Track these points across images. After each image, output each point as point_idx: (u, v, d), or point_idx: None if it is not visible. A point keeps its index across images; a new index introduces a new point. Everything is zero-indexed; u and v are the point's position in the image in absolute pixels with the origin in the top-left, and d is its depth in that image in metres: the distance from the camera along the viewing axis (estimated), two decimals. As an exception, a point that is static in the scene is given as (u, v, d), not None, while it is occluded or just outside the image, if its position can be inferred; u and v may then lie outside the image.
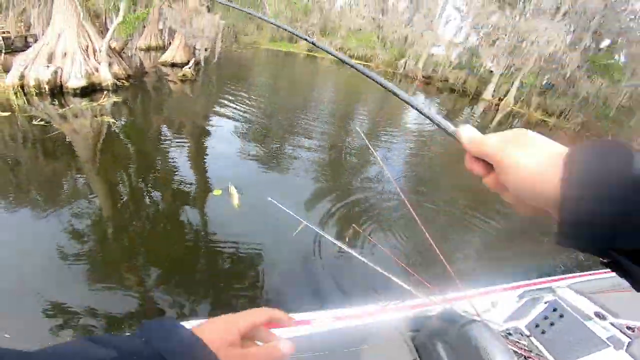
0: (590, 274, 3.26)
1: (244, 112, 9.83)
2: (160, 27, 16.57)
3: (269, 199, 2.82)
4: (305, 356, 1.69)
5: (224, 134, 8.05)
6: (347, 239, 2.78)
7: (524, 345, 2.55)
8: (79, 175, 5.48)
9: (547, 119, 17.72)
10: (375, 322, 2.13)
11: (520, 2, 18.62)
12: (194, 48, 14.32)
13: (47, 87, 8.72)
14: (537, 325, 2.84)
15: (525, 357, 2.38)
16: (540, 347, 2.77)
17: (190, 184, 5.63)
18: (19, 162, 5.69)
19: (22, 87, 8.58)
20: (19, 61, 8.86)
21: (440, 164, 9.23)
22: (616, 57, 17.58)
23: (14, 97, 8.02)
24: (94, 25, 10.14)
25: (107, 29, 10.14)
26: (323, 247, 4.17)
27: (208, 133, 8.10)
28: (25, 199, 4.64)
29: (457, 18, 23.29)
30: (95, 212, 4.50)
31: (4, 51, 11.49)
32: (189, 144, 7.16)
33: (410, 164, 8.70)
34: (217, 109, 9.83)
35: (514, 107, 18.84)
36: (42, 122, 6.96)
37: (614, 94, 16.34)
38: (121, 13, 9.65)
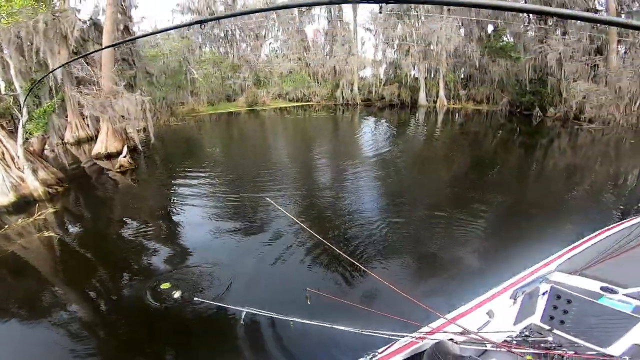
0: (567, 252, 3.18)
1: (202, 191, 9.07)
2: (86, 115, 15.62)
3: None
4: None
5: (187, 220, 7.29)
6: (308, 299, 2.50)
7: (550, 342, 2.41)
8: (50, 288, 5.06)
9: (479, 107, 19.34)
10: None
11: (413, 10, 20.76)
12: (125, 133, 13.44)
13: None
14: (552, 318, 2.80)
15: (556, 354, 2.22)
16: (570, 338, 2.70)
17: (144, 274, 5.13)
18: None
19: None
20: None
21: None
22: (504, 39, 20.01)
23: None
24: (2, 127, 9.13)
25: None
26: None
27: (167, 223, 7.32)
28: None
29: (370, 38, 25.47)
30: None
31: None
32: (145, 242, 6.40)
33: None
34: (172, 194, 9.05)
35: (448, 105, 20.42)
36: None
37: (520, 70, 18.34)
38: (24, 110, 8.80)
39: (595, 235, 3.44)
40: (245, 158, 12.71)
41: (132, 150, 12.41)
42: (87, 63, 13.69)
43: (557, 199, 7.60)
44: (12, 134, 9.18)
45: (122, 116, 12.44)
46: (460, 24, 20.47)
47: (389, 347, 2.10)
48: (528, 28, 19.98)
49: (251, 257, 5.49)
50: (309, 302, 2.33)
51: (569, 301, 2.70)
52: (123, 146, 12.21)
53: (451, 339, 2.05)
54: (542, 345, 2.33)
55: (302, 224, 4.33)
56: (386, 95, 23.04)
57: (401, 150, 12.76)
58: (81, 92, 12.70)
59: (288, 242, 5.91)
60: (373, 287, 4.55)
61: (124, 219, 7.62)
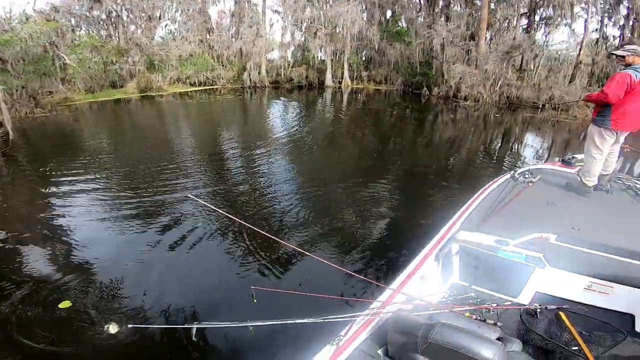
0: (465, 210, 3.29)
1: (88, 190, 7.32)
2: None
3: None
4: None
5: (77, 226, 5.88)
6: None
7: (474, 298, 2.52)
8: None
9: (379, 87, 20.83)
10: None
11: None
12: None
13: None
14: (467, 274, 2.89)
15: (482, 308, 2.32)
16: (487, 292, 2.80)
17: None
18: None
19: None
20: None
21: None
22: (400, 24, 21.83)
23: None
24: None
25: None
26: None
27: (50, 228, 5.76)
28: None
29: (278, 20, 24.80)
30: None
31: None
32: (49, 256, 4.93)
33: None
34: (48, 197, 7.10)
35: (352, 85, 21.48)
36: None
37: (412, 53, 20.24)
38: None
39: (481, 193, 3.59)
40: (141, 149, 11.01)
41: None
42: None
43: (445, 163, 9.07)
44: None
45: None
46: (364, 7, 21.30)
47: (349, 329, 2.05)
48: (419, 14, 21.92)
49: (172, 261, 4.79)
50: (255, 301, 2.12)
51: (476, 257, 2.79)
52: None
53: (396, 311, 2.05)
54: (470, 301, 2.42)
55: (226, 213, 3.54)
56: (294, 77, 22.99)
57: (311, 129, 13.00)
58: None
59: (212, 238, 5.29)
60: (312, 270, 4.47)
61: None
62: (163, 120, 16.79)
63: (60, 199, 6.94)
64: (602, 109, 3.39)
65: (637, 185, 3.74)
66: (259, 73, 23.33)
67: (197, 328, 1.77)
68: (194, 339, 2.63)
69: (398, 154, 10.13)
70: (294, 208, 6.43)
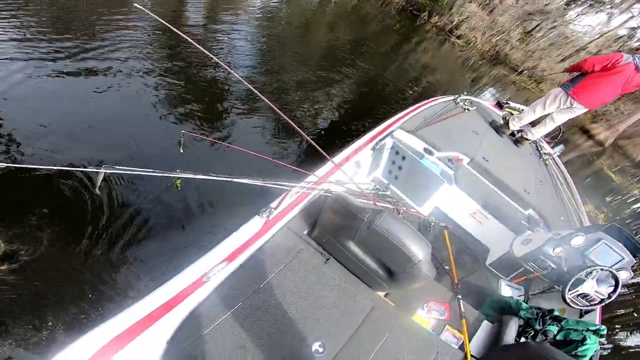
0: (408, 112, 3.32)
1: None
2: None
3: None
4: (228, 316, 1.39)
5: None
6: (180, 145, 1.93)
7: (390, 197, 2.52)
8: None
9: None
10: (271, 237, 1.75)
11: None
12: None
13: None
14: (390, 172, 2.97)
15: (396, 208, 2.32)
16: (400, 194, 2.93)
17: None
18: None
19: None
20: None
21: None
22: None
23: None
24: None
25: None
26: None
27: None
28: None
29: None
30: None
31: None
32: None
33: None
34: None
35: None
36: None
37: None
38: None
39: (427, 102, 3.73)
40: None
41: None
42: None
43: (403, 83, 9.27)
44: None
45: None
46: None
47: (281, 200, 1.87)
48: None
49: (91, 87, 3.77)
50: (181, 151, 1.81)
51: (403, 157, 2.83)
52: None
53: (331, 190, 1.87)
54: (387, 199, 2.42)
55: (173, 28, 1.57)
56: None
57: (291, 9, 11.84)
58: None
59: (147, 59, 4.44)
60: (255, 121, 4.12)
61: None
62: None
63: None
64: (575, 78, 3.33)
65: (542, 145, 4.22)
66: None
67: (104, 173, 1.25)
68: (97, 189, 2.11)
69: (367, 57, 9.86)
70: (253, 58, 6.40)
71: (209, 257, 1.50)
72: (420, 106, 3.55)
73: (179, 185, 1.53)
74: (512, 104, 4.43)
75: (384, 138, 2.82)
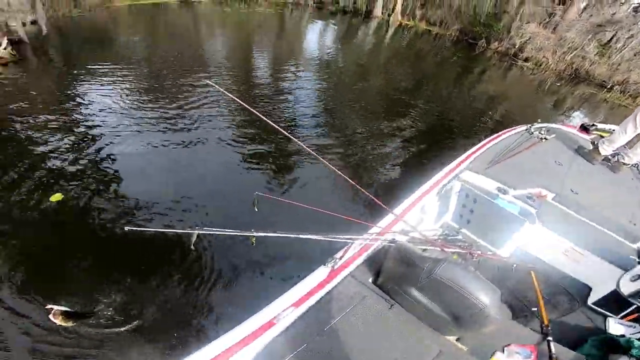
0: (474, 152, 3.20)
1: (118, 80, 7.29)
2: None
3: None
4: (292, 357, 1.49)
5: (102, 110, 5.86)
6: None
7: (462, 241, 2.52)
8: None
9: (431, 29, 18.48)
10: (336, 285, 1.85)
11: None
12: (6, 26, 10.40)
13: None
14: (461, 216, 2.88)
15: (469, 253, 2.30)
16: (474, 237, 2.81)
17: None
18: None
19: None
20: None
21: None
22: None
23: None
24: None
25: None
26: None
27: (73, 112, 5.77)
28: None
29: None
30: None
31: None
32: (54, 138, 4.92)
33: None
34: (77, 83, 7.11)
35: (402, 21, 19.20)
36: None
37: (480, 2, 17.55)
38: None
39: (494, 138, 3.52)
40: (175, 52, 10.40)
41: (17, 43, 9.42)
42: None
43: (474, 117, 8.36)
44: None
45: (2, 9, 9.55)
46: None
47: (345, 251, 1.99)
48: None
49: (184, 160, 4.65)
50: (256, 209, 1.93)
51: (474, 200, 2.74)
52: (2, 39, 9.30)
53: (395, 239, 1.95)
54: (458, 244, 2.41)
55: (243, 102, 2.74)
56: (341, 1, 20.77)
57: (345, 54, 12.35)
58: None
59: (223, 131, 5.34)
60: (319, 180, 4.50)
61: (11, 114, 5.67)
62: (198, 27, 15.91)
63: (83, 83, 7.00)
64: None
65: None
66: (304, -11, 21.24)
67: (197, 234, 1.57)
68: (192, 246, 2.59)
69: (427, 95, 9.34)
70: (312, 118, 6.50)
71: (279, 301, 1.66)
72: (488, 142, 3.39)
73: (253, 241, 1.69)
74: (600, 126, 4.01)
75: (449, 182, 2.75)
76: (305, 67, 9.83)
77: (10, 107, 6.08)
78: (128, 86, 7.03)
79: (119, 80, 7.31)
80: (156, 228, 1.68)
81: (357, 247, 2.03)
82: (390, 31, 17.47)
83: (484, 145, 3.36)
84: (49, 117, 5.62)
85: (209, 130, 5.41)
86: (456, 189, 2.80)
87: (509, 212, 2.57)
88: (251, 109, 2.14)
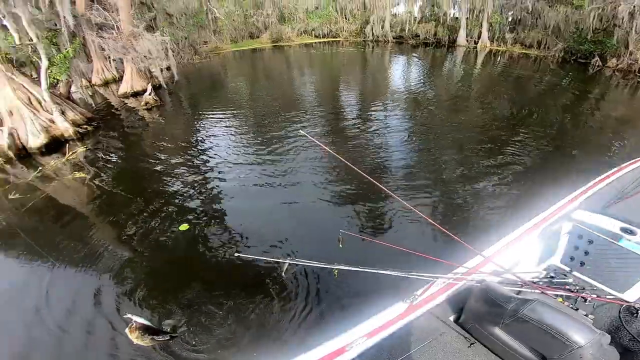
0: (588, 188, 2.99)
1: (230, 122, 9.32)
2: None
3: None
4: None
5: (215, 155, 7.50)
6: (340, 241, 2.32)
7: (572, 284, 2.33)
8: (86, 230, 5.17)
9: (527, 52, 17.27)
10: (413, 319, 1.92)
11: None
12: (149, 72, 13.56)
13: (11, 152, 8.08)
14: (572, 259, 2.65)
15: (579, 296, 2.16)
16: (589, 281, 2.61)
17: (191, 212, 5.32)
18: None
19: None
20: (-29, 132, 8.19)
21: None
22: None
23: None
24: (24, 75, 9.26)
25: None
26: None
27: (196, 154, 7.57)
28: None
29: (408, -28, 22.39)
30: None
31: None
32: (182, 176, 6.61)
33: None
34: (199, 129, 9.25)
35: (492, 47, 18.42)
36: (17, 195, 6.42)
37: (582, 18, 15.87)
38: (43, 57, 8.74)
39: (615, 172, 3.25)
40: (272, 93, 12.73)
41: (157, 88, 12.67)
42: (103, 9, 13.44)
43: (598, 145, 7.31)
44: (36, 80, 9.14)
45: (145, 56, 12.45)
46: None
47: (427, 288, 2.05)
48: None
49: (280, 199, 5.50)
50: (340, 246, 2.17)
51: (590, 241, 2.53)
52: (147, 84, 12.32)
53: (483, 280, 1.97)
54: (567, 287, 2.25)
55: (341, 157, 3.30)
56: (420, 34, 20.99)
57: (434, 87, 12.11)
58: (102, 37, 12.64)
59: (318, 177, 6.02)
60: (402, 221, 4.69)
61: (152, 154, 7.81)
62: (290, 68, 18.11)
63: (206, 131, 9.00)
64: None
65: None
66: (382, 27, 22.15)
67: (289, 263, 1.84)
68: (283, 273, 2.92)
69: (535, 126, 8.38)
70: (401, 160, 6.61)
71: (353, 331, 1.77)
72: (605, 178, 3.08)
73: (336, 274, 1.82)
74: None
75: (557, 222, 2.57)
76: (392, 105, 9.96)
77: (157, 145, 8.26)
78: (235, 130, 8.81)
79: (229, 124, 9.21)
80: (254, 256, 2.03)
81: (440, 285, 2.06)
82: (480, 58, 16.88)
83: (601, 181, 3.07)
84: (179, 156, 7.43)
85: (303, 174, 6.23)
86: (566, 230, 2.60)
87: (636, 253, 2.35)
88: (339, 157, 2.57)
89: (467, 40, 19.34)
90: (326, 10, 23.53)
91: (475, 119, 8.93)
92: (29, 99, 8.67)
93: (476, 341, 1.81)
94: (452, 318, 1.95)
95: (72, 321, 3.59)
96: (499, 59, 16.70)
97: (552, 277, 2.36)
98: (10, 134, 8.18)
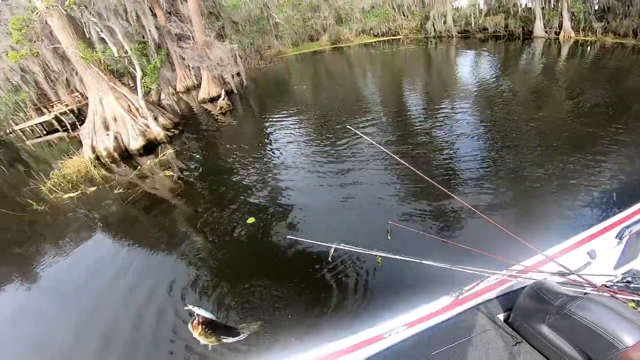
0: None
1: (294, 124, 9.60)
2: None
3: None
4: None
5: (282, 152, 7.96)
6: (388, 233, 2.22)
7: None
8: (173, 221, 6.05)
9: (622, 41, 15.16)
10: (457, 314, 1.86)
11: None
12: (222, 78, 14.44)
13: (116, 154, 9.04)
14: None
15: None
16: None
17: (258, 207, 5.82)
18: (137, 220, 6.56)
19: (97, 158, 8.98)
20: (84, 135, 9.29)
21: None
22: None
23: (95, 170, 8.37)
24: (124, 84, 10.35)
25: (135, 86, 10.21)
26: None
27: (264, 154, 8.07)
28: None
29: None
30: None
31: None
32: (253, 176, 7.07)
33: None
34: (267, 130, 9.70)
35: (577, 37, 16.49)
36: (121, 190, 7.50)
37: None
38: (137, 67, 9.65)
39: None
40: (333, 94, 12.82)
41: (229, 93, 13.55)
42: (180, 20, 14.58)
43: None
44: (133, 89, 10.27)
45: (218, 64, 13.33)
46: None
47: (477, 284, 1.96)
48: None
49: (337, 193, 5.74)
50: (389, 237, 2.11)
51: None
52: (221, 90, 13.12)
53: (544, 279, 1.83)
54: None
55: (397, 158, 3.05)
56: (489, 27, 19.56)
57: (509, 83, 11.03)
58: (181, 47, 13.76)
59: (376, 176, 6.06)
60: (460, 219, 4.51)
61: (226, 154, 8.58)
62: (351, 68, 18.10)
63: (273, 132, 9.46)
64: None
65: None
66: (445, 22, 21.09)
67: (335, 248, 1.87)
68: (330, 258, 2.85)
69: (635, 122, 7.08)
70: (465, 156, 6.26)
71: (394, 320, 1.77)
72: None
73: (379, 261, 1.91)
74: None
75: (638, 222, 2.31)
76: (462, 104, 9.25)
77: (230, 146, 8.88)
78: (299, 131, 9.09)
79: (293, 126, 9.51)
80: (304, 239, 2.18)
81: (491, 282, 1.96)
82: (565, 50, 15.20)
83: None
84: (249, 156, 7.97)
85: (360, 173, 6.29)
86: None
87: None
88: (399, 159, 2.53)
89: (546, 31, 17.55)
90: (382, 9, 23.12)
91: (561, 116, 7.93)
92: (129, 106, 9.63)
93: (522, 340, 1.70)
94: (500, 316, 1.88)
95: (143, 287, 4.41)
96: (588, 50, 14.89)
97: (628, 282, 2.16)
98: (115, 138, 9.13)
